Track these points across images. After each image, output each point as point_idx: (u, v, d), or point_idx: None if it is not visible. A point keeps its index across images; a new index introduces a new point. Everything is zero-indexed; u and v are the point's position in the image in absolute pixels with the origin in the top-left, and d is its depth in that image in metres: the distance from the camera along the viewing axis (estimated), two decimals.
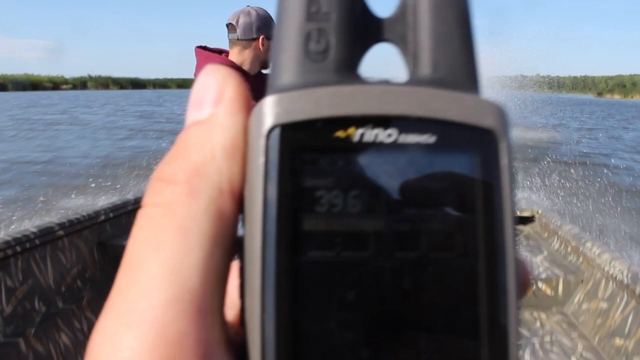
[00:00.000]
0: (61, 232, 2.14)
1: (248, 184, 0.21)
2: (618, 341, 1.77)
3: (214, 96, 0.23)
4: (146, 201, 0.21)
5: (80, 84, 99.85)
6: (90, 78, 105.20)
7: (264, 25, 2.44)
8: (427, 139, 0.21)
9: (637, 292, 1.77)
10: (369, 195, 0.21)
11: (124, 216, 2.60)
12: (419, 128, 0.21)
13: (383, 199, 0.21)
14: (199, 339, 0.19)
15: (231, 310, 0.24)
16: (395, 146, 0.21)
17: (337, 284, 0.20)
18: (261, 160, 0.21)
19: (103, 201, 4.13)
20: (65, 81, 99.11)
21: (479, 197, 0.21)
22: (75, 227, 2.23)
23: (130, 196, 2.76)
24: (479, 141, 0.21)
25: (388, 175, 0.21)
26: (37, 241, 2.01)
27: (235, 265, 0.22)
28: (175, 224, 0.20)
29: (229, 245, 0.21)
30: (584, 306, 2.09)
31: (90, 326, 2.11)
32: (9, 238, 1.91)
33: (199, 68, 2.43)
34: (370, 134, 0.21)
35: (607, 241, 4.91)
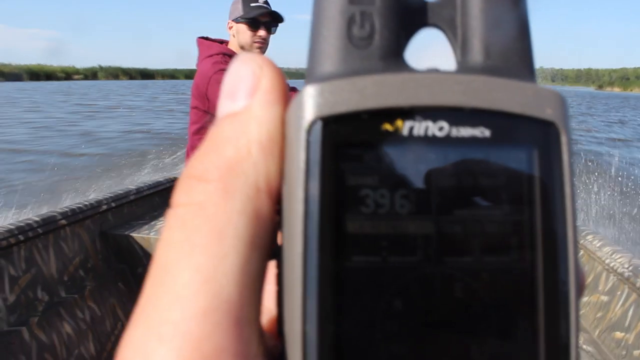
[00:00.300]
0: (63, 222, 2.12)
1: (287, 182, 0.19)
2: (618, 334, 1.76)
3: (248, 86, 0.20)
4: (176, 200, 0.19)
5: (91, 74, 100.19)
6: (101, 68, 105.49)
7: (232, 9, 2.42)
8: (483, 132, 0.19)
9: (637, 285, 1.74)
10: (418, 194, 0.19)
11: (126, 206, 2.57)
12: (473, 120, 0.19)
13: (433, 199, 0.19)
14: (236, 353, 0.18)
15: (264, 317, 0.21)
16: (447, 140, 0.19)
17: (384, 292, 0.19)
18: (302, 156, 0.19)
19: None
20: (77, 71, 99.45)
21: (538, 196, 0.19)
22: (78, 217, 2.21)
23: (132, 186, 2.73)
24: (540, 134, 0.19)
25: (439, 173, 0.19)
26: (39, 230, 1.99)
27: (271, 270, 0.20)
28: (209, 226, 0.18)
29: (266, 249, 0.19)
30: (585, 299, 2.06)
31: (93, 316, 2.09)
32: (12, 227, 1.90)
33: (200, 58, 2.41)
34: (420, 127, 0.19)
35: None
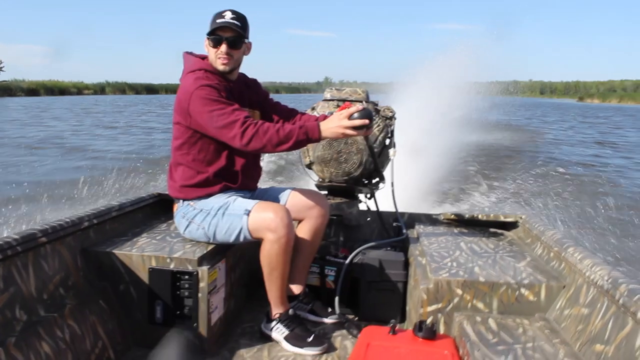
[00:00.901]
0: (43, 239, 2.04)
1: None
2: (599, 347, 1.70)
3: None
4: None
5: (100, 89, 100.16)
6: (108, 84, 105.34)
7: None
8: None
9: (616, 297, 1.69)
10: None
11: (108, 222, 2.49)
12: None
13: None
14: None
15: None
16: None
17: None
18: None
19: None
20: (87, 87, 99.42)
21: None
22: (58, 234, 2.13)
23: (114, 202, 2.64)
24: None
25: None
26: (18, 248, 1.91)
27: None
28: None
29: None
30: (566, 312, 1.99)
31: (73, 334, 1.99)
32: None
33: (183, 73, 2.34)
34: None
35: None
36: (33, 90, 78.18)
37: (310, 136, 2.14)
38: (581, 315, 1.87)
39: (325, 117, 2.35)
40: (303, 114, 2.66)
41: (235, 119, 2.13)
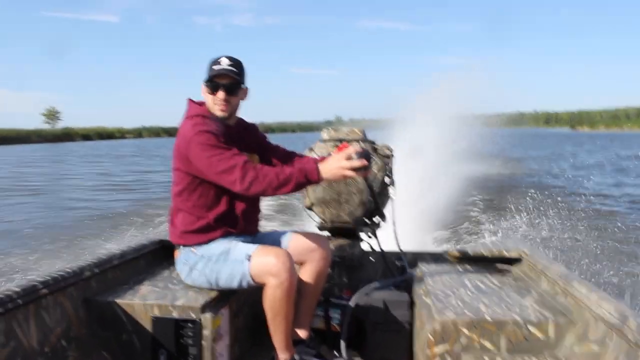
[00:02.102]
0: (45, 291, 1.92)
1: None
2: None
3: None
4: None
5: (138, 133, 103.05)
6: (144, 128, 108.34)
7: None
8: None
9: (625, 333, 1.56)
10: None
11: (109, 271, 2.35)
12: None
13: None
14: None
15: None
16: None
17: None
18: None
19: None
20: (128, 131, 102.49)
21: None
22: (60, 285, 2.01)
23: (116, 250, 2.51)
24: None
25: None
26: (19, 301, 1.79)
27: None
28: None
29: None
30: (576, 349, 1.83)
31: None
32: None
33: (183, 118, 2.23)
34: None
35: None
36: (87, 135, 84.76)
37: (309, 178, 2.04)
38: (592, 352, 1.75)
39: (324, 159, 2.27)
40: (302, 156, 2.54)
41: (235, 163, 2.03)
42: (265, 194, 2.05)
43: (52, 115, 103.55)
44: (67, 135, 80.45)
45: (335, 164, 2.02)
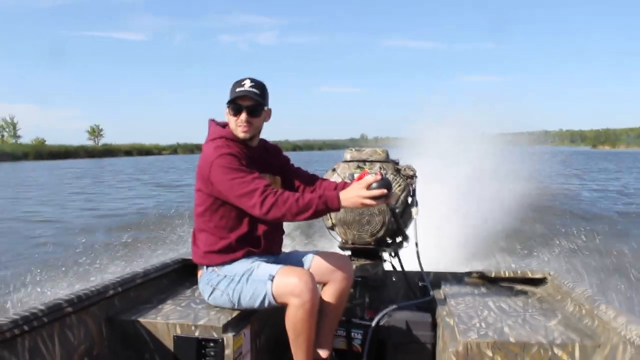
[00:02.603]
0: (69, 309, 1.90)
1: None
2: None
3: None
4: None
5: (173, 150, 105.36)
6: (179, 145, 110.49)
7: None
8: None
9: None
10: None
11: (132, 290, 2.32)
12: None
13: None
14: None
15: None
16: None
17: None
18: None
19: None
20: (164, 148, 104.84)
21: None
22: (84, 303, 1.98)
23: (139, 269, 2.48)
24: None
25: None
26: (44, 319, 1.78)
27: None
28: None
29: None
30: None
31: None
32: (16, 317, 1.69)
33: (206, 140, 2.22)
34: None
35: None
36: (128, 151, 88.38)
37: (329, 206, 2.00)
38: None
39: (345, 185, 2.24)
40: (323, 179, 2.48)
41: (255, 187, 1.99)
42: (284, 219, 2.02)
43: (95, 132, 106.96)
44: (109, 151, 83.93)
45: (355, 192, 1.98)
